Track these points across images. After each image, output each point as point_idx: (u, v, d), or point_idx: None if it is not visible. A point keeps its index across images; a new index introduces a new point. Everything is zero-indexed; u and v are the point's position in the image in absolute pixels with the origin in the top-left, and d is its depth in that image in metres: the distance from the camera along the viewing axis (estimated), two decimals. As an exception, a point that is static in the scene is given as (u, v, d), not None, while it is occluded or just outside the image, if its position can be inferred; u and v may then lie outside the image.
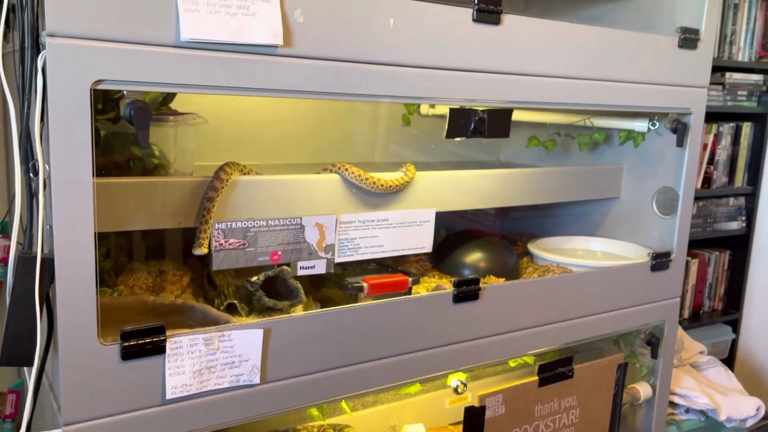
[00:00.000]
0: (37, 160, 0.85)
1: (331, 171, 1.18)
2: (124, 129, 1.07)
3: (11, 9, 0.96)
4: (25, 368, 1.15)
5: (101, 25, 0.82)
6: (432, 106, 1.58)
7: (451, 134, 1.18)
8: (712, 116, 2.46)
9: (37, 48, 0.85)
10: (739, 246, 2.60)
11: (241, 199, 1.06)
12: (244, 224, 1.04)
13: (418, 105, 1.60)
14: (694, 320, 2.54)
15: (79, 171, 0.83)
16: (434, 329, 1.19)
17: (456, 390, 1.32)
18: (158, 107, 1.14)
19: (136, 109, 0.87)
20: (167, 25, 0.86)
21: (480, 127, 1.20)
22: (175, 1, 0.85)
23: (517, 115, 1.25)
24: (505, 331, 1.28)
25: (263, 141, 1.50)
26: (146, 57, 0.85)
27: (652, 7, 1.52)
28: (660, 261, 1.50)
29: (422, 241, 1.24)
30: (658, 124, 1.52)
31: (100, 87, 0.83)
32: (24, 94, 0.88)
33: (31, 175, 0.88)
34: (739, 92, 2.44)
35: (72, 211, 0.83)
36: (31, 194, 0.90)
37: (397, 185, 1.20)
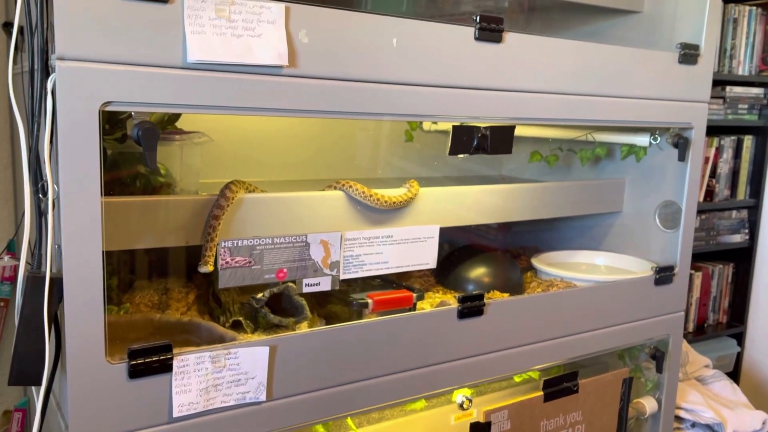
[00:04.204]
0: (46, 181, 0.86)
1: (335, 188, 1.18)
2: (131, 148, 1.08)
3: (20, 31, 0.97)
4: (32, 387, 1.16)
5: (109, 47, 0.83)
6: (434, 122, 1.60)
7: (454, 151, 1.19)
8: (714, 130, 2.47)
9: (46, 70, 0.86)
10: (743, 259, 2.60)
11: (247, 217, 1.07)
12: (250, 242, 1.05)
13: (421, 121, 1.61)
14: (698, 334, 2.53)
15: (87, 191, 0.84)
16: (439, 345, 1.19)
17: (461, 406, 1.32)
18: (164, 126, 1.15)
19: (144, 130, 0.88)
20: (174, 47, 0.87)
21: (483, 143, 1.21)
22: (182, 24, 0.87)
23: (519, 131, 1.26)
24: (510, 347, 1.29)
25: (268, 159, 1.51)
26: (154, 79, 0.86)
27: (652, 23, 1.54)
28: (664, 275, 1.50)
29: (427, 257, 1.25)
30: (659, 138, 1.52)
31: (108, 109, 0.84)
32: (33, 115, 0.90)
33: (40, 195, 0.89)
34: (740, 106, 2.45)
35: (80, 230, 0.84)
36: (40, 214, 0.90)
37: (401, 201, 1.21)
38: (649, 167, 1.59)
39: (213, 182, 1.20)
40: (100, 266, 0.86)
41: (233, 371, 0.97)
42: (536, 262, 1.58)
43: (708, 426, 1.82)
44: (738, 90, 2.42)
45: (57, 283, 0.86)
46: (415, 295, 1.26)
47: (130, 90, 0.85)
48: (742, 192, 2.55)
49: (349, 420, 1.22)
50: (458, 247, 1.58)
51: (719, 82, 2.39)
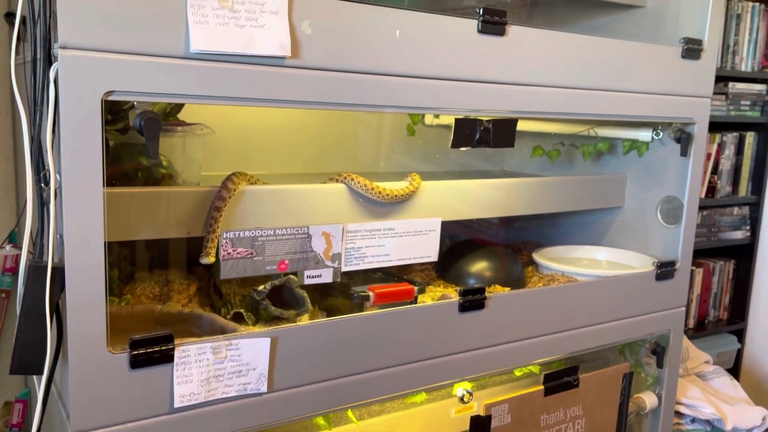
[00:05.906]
0: (48, 170, 0.86)
1: (337, 181, 1.18)
2: (133, 139, 1.08)
3: (23, 21, 0.97)
4: (34, 377, 1.16)
5: (112, 37, 0.83)
6: (436, 116, 1.59)
7: (456, 144, 1.19)
8: (716, 126, 2.47)
9: (48, 60, 0.86)
10: (744, 255, 2.60)
11: (249, 209, 1.07)
12: (252, 233, 1.05)
13: (423, 115, 1.61)
14: (699, 330, 2.53)
15: (89, 181, 0.84)
16: (440, 338, 1.19)
17: (462, 399, 1.32)
18: (166, 118, 1.15)
19: (146, 120, 0.88)
20: (177, 37, 0.87)
21: (485, 137, 1.21)
22: (185, 13, 0.87)
23: (521, 125, 1.26)
24: (511, 340, 1.29)
25: (270, 151, 1.51)
26: (156, 68, 0.86)
27: (656, 17, 1.54)
28: (665, 270, 1.50)
29: (428, 250, 1.25)
30: (661, 133, 1.52)
31: (110, 98, 0.84)
32: (36, 105, 0.90)
33: (42, 185, 0.89)
34: (743, 102, 2.44)
35: (82, 220, 0.84)
36: (41, 204, 0.90)
37: (402, 195, 1.21)
38: (651, 162, 1.58)
39: (215, 175, 1.20)
40: (102, 256, 0.86)
41: (234, 362, 0.97)
42: (537, 256, 1.58)
43: (708, 421, 1.82)
44: (740, 86, 2.42)
45: (59, 272, 0.86)
46: (416, 288, 1.26)
47: (132, 79, 0.85)
48: (744, 188, 2.55)
49: (349, 412, 1.22)
50: (460, 242, 1.58)
51: (722, 79, 2.38)
